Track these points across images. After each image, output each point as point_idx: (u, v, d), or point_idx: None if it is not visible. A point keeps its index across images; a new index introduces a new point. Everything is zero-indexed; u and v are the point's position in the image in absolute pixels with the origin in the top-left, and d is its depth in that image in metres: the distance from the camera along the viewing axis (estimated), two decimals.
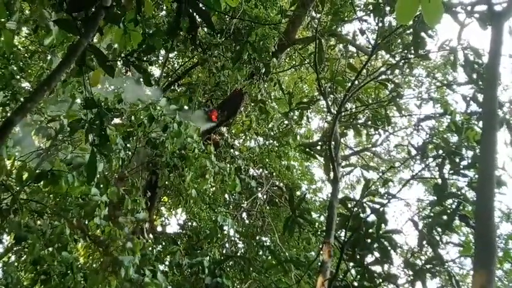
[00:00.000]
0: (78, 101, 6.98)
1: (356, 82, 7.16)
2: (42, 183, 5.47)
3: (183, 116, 7.64)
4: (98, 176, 5.53)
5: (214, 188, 10.82)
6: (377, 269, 5.86)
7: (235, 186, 8.46)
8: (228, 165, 9.34)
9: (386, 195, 6.11)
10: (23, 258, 6.65)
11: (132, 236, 6.23)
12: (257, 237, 10.65)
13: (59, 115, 6.35)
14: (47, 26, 5.06)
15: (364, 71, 7.58)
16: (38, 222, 5.62)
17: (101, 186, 6.08)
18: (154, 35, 4.94)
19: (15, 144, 5.80)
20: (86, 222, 5.99)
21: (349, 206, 6.14)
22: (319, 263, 6.00)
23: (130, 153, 7.61)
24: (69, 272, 5.70)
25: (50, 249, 5.78)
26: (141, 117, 7.17)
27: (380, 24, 6.88)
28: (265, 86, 10.02)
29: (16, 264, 6.44)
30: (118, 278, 5.74)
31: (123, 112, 7.47)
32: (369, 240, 5.79)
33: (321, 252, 5.88)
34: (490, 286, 2.90)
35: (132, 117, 7.17)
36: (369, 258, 5.91)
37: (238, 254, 9.79)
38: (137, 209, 6.71)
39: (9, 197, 5.47)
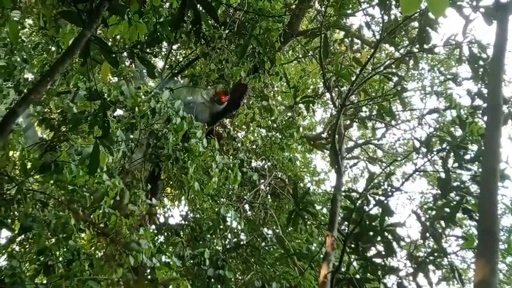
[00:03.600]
0: (80, 92, 6.96)
1: (361, 75, 7.16)
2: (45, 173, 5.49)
3: (188, 107, 7.62)
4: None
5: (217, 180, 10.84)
6: (380, 261, 5.87)
7: (237, 181, 8.49)
8: (231, 159, 9.34)
9: (389, 188, 6.11)
10: (27, 249, 6.66)
11: (141, 224, 6.24)
12: (260, 229, 10.67)
13: (71, 107, 6.35)
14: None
15: (370, 64, 7.57)
16: (42, 213, 5.64)
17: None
18: (165, 24, 4.94)
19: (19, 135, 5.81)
20: (90, 214, 6.00)
21: (353, 198, 6.14)
22: (322, 256, 6.02)
23: (133, 144, 7.61)
24: (76, 258, 5.71)
25: (54, 239, 5.81)
26: (144, 108, 7.16)
27: (385, 17, 6.87)
28: (270, 79, 9.99)
29: (20, 254, 6.45)
30: (126, 264, 5.76)
31: (126, 104, 7.47)
32: (372, 233, 5.80)
33: (324, 244, 5.90)
34: (492, 278, 2.89)
35: (136, 109, 7.16)
36: (372, 251, 5.93)
37: (242, 246, 9.80)
38: (137, 201, 6.71)
39: (13, 188, 5.49)
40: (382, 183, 6.16)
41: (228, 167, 8.16)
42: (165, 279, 5.98)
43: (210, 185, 7.87)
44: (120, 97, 7.00)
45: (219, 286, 8.14)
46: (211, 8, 4.79)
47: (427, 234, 5.84)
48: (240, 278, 9.73)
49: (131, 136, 7.41)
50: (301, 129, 10.87)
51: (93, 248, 7.14)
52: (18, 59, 6.83)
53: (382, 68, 7.82)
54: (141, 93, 7.26)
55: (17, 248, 6.86)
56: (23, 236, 6.70)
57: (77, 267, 5.70)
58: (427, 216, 6.07)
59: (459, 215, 5.85)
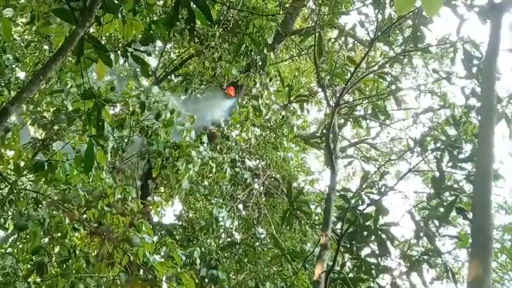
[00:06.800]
0: (72, 90, 6.91)
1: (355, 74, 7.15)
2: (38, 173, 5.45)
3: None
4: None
5: (210, 179, 10.82)
6: (374, 261, 5.88)
7: (225, 177, 8.44)
8: (225, 156, 9.31)
9: (383, 187, 6.11)
10: (20, 249, 6.62)
11: (132, 223, 6.19)
12: (252, 229, 10.65)
13: (65, 105, 6.31)
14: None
15: (364, 63, 7.56)
16: (35, 212, 5.59)
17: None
18: (159, 22, 4.90)
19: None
20: (84, 214, 5.96)
21: (347, 198, 6.15)
22: (316, 255, 6.02)
23: (124, 142, 7.54)
24: (72, 257, 5.68)
25: (48, 238, 5.78)
26: (133, 104, 7.12)
27: (379, 16, 6.87)
28: (262, 78, 9.96)
29: (13, 253, 6.41)
30: (123, 262, 5.72)
31: (117, 102, 7.43)
32: (366, 233, 5.81)
33: (318, 244, 5.90)
34: (486, 277, 2.90)
35: (130, 107, 7.12)
36: (366, 250, 5.94)
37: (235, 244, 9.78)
38: (127, 200, 6.64)
39: (6, 187, 5.46)
40: (376, 183, 6.16)
41: (213, 161, 8.10)
42: (169, 274, 5.92)
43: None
44: (110, 94, 6.96)
45: (212, 286, 8.11)
46: (205, 6, 4.76)
47: (421, 234, 5.85)
48: (233, 277, 9.70)
49: (124, 133, 7.35)
50: (295, 128, 10.85)
51: (86, 248, 7.11)
52: (10, 57, 6.78)
53: (376, 67, 7.82)
54: (132, 91, 7.23)
55: (9, 248, 6.82)
56: (15, 236, 6.65)
57: (74, 264, 5.67)
58: (421, 215, 6.08)
59: (453, 214, 5.87)
